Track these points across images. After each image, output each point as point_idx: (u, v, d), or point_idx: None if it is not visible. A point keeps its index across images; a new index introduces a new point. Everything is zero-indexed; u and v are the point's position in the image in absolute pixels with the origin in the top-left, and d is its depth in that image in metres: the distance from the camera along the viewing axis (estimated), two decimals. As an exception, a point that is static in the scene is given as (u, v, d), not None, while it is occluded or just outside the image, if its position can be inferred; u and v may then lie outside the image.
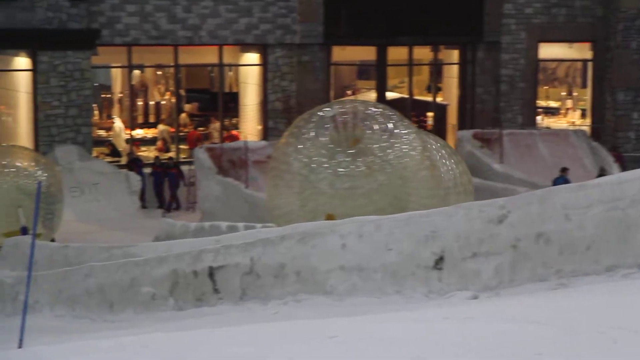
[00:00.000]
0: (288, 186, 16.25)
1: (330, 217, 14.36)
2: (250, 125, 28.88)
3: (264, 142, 25.44)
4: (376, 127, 16.12)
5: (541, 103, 31.63)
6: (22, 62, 25.55)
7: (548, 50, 30.94)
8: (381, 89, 28.86)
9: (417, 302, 9.37)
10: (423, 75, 32.16)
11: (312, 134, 16.17)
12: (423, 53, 31.05)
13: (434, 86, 31.09)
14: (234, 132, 28.49)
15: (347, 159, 15.89)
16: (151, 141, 28.73)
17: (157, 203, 25.41)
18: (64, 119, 25.43)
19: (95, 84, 27.57)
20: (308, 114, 16.89)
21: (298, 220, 14.60)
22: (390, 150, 15.96)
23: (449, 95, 31.21)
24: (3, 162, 20.29)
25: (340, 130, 16.19)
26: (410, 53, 29.85)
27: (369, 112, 16.42)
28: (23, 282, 12.86)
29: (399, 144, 15.97)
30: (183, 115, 29.08)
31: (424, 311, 8.39)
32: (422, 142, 16.42)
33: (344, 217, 12.33)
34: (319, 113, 16.63)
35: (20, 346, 9.55)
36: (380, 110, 16.70)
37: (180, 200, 25.62)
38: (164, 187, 25.53)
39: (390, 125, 16.23)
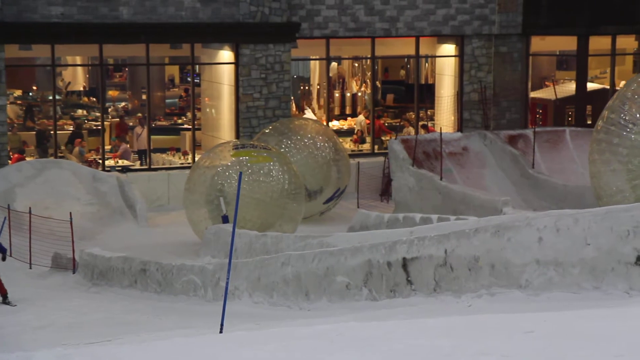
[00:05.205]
0: (621, 162, 14.54)
1: None
2: (445, 117, 28.75)
3: (459, 134, 25.24)
4: None
5: None
6: (225, 55, 26.36)
7: None
8: (581, 80, 28.04)
9: (617, 299, 9.08)
10: (626, 65, 31.05)
11: None
12: (626, 42, 29.99)
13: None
14: (429, 126, 28.23)
15: None
16: (347, 132, 29.05)
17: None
18: (263, 111, 26.10)
19: (294, 76, 28.12)
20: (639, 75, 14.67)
21: (630, 202, 12.93)
22: None
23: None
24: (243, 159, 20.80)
25: None
26: (614, 42, 28.88)
27: None
28: (224, 268, 13.29)
29: None
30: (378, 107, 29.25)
31: (624, 308, 8.12)
32: None
33: None
34: None
35: (221, 331, 9.86)
36: None
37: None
38: None
39: None
